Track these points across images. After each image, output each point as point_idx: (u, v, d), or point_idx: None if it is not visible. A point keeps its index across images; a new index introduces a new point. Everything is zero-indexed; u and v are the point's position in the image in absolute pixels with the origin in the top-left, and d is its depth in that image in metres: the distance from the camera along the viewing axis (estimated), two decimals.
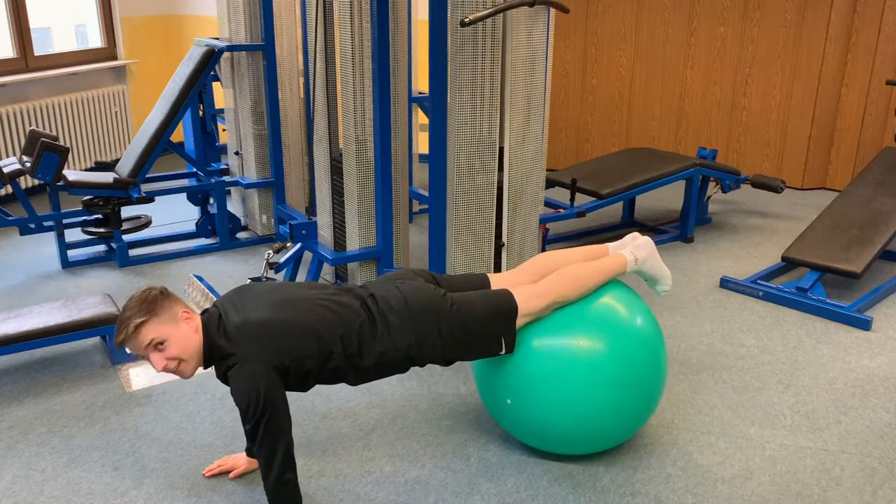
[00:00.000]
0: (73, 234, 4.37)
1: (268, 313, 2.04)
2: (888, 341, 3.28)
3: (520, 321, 2.22)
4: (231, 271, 4.07)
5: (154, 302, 1.99)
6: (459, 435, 2.58)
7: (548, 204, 4.15)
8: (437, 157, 3.09)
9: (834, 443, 2.55)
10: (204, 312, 2.11)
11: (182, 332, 2.01)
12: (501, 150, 3.06)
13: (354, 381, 2.17)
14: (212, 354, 2.04)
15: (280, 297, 2.11)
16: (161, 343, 1.98)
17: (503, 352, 2.24)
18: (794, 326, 3.41)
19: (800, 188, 5.65)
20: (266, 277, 3.39)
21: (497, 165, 3.04)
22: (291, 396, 2.79)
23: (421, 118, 5.34)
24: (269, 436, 1.95)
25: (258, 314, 2.04)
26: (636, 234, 2.51)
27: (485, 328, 2.19)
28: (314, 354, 2.05)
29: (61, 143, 4.88)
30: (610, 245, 2.52)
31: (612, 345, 2.25)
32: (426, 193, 3.71)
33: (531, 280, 2.35)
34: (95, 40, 6.17)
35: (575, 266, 2.32)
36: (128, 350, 2.03)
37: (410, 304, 2.14)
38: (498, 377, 2.34)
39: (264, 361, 1.97)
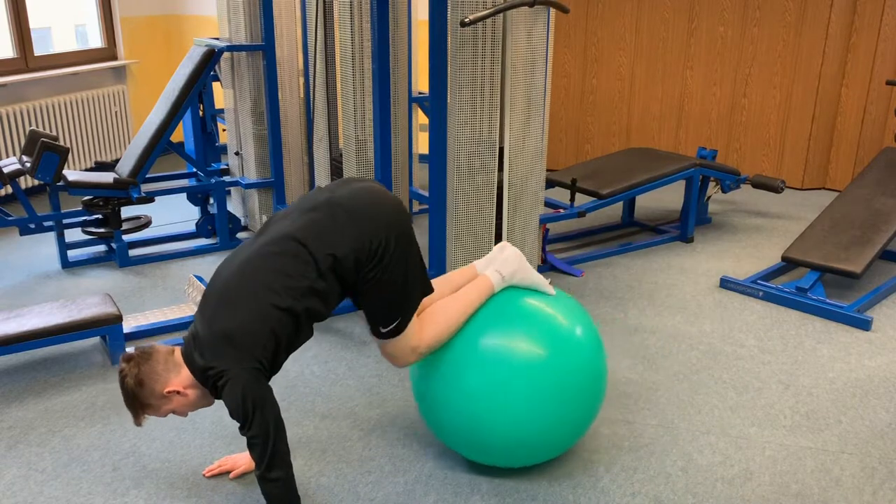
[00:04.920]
0: (73, 234, 4.37)
1: (226, 322, 2.00)
2: (888, 341, 3.28)
3: (409, 358, 2.19)
4: None
5: (136, 397, 2.02)
6: None
7: (548, 204, 4.15)
8: (437, 157, 3.09)
9: (834, 443, 2.55)
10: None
11: (176, 402, 2.06)
12: (501, 149, 3.06)
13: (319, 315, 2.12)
14: (200, 378, 2.04)
15: (227, 294, 2.05)
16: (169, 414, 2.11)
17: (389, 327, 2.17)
18: (794, 326, 3.41)
19: (800, 188, 5.65)
20: None
21: (497, 165, 3.04)
22: (293, 396, 2.80)
23: (421, 118, 5.35)
24: (260, 436, 1.96)
25: (218, 324, 2.00)
26: (504, 244, 2.38)
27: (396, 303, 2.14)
28: (275, 340, 2.02)
29: (61, 143, 4.88)
30: (477, 263, 2.40)
31: (547, 355, 2.17)
32: (426, 193, 3.72)
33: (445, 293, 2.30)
34: (95, 40, 6.17)
35: (437, 308, 2.23)
36: None
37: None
38: (436, 391, 2.26)
39: (243, 367, 1.96)
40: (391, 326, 2.15)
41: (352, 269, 2.06)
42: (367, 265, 2.07)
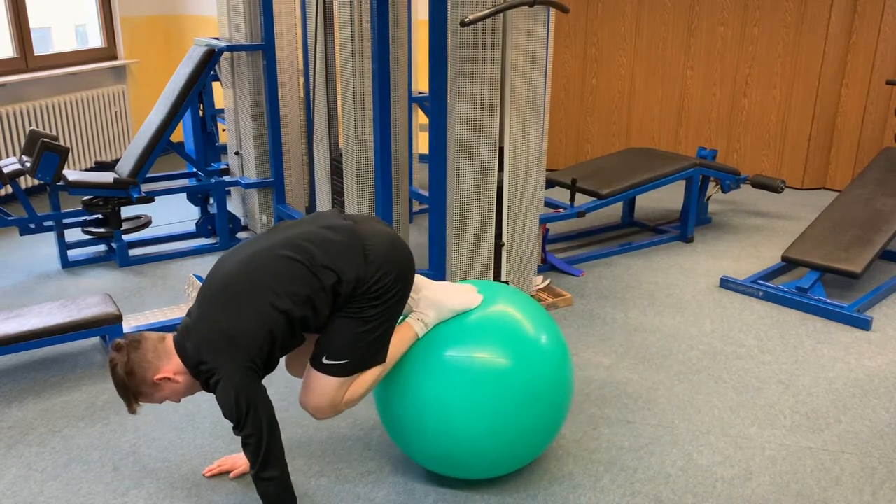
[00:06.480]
0: (73, 234, 4.37)
1: (224, 319, 2.00)
2: (888, 341, 3.28)
3: (326, 412, 2.14)
4: None
5: (127, 386, 2.01)
6: None
7: (548, 204, 4.15)
8: (437, 157, 3.10)
9: (834, 443, 2.55)
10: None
11: (167, 389, 2.05)
12: (501, 150, 3.06)
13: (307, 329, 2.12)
14: (192, 370, 2.04)
15: (227, 290, 2.05)
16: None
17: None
18: (794, 326, 3.41)
19: (800, 188, 5.65)
20: None
21: (497, 165, 3.04)
22: (293, 396, 2.80)
23: (421, 118, 5.35)
24: (254, 436, 1.97)
25: (216, 320, 2.00)
26: (418, 284, 2.27)
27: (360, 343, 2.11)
28: (271, 341, 2.02)
29: (61, 143, 4.88)
30: None
31: (511, 364, 2.13)
32: (426, 193, 3.72)
33: None
34: (95, 40, 6.17)
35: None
36: None
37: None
38: (396, 403, 2.23)
39: (237, 366, 1.96)
40: (336, 362, 2.09)
41: (349, 294, 2.05)
42: (363, 295, 2.06)
